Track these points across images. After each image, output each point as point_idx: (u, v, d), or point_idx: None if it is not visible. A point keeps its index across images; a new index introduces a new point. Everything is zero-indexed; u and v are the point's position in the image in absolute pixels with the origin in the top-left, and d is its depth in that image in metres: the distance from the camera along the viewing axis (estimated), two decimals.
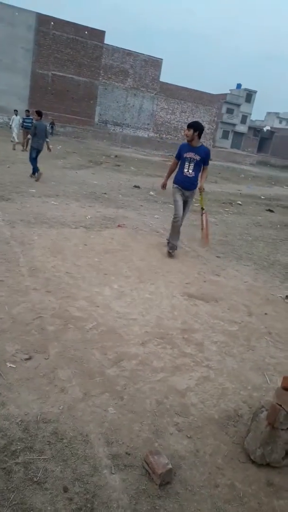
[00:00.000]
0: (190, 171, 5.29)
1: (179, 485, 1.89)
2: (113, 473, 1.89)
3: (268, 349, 3.39)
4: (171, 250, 5.49)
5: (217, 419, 2.41)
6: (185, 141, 5.39)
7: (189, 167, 5.28)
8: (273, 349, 3.41)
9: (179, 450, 2.11)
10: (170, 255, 5.44)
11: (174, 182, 5.50)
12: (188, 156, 5.29)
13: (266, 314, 4.10)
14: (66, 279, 4.07)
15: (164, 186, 5.81)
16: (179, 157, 5.42)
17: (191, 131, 5.16)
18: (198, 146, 5.28)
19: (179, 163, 5.47)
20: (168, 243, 5.56)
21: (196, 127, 5.18)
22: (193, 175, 5.32)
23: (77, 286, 3.95)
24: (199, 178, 5.44)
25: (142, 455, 1.99)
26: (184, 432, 2.25)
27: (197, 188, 5.37)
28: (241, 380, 2.86)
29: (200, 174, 5.38)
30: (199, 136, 5.22)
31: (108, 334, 3.17)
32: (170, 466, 1.88)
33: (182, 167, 5.38)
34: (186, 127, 5.34)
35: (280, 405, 1.97)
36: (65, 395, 2.38)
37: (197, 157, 5.25)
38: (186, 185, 5.40)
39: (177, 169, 5.54)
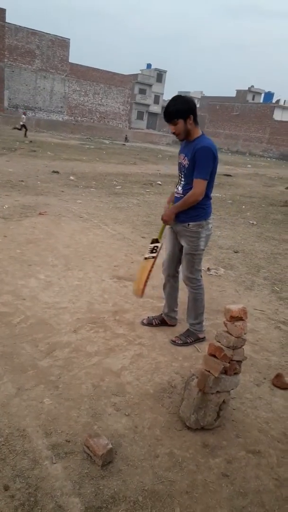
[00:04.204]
0: (179, 187, 3.00)
1: (120, 462, 1.94)
2: (54, 463, 1.88)
3: None
4: (148, 320, 3.38)
5: (152, 393, 2.49)
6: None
7: (179, 181, 3.02)
8: None
9: (118, 429, 2.15)
10: (143, 323, 3.36)
11: None
12: (179, 161, 3.02)
13: None
14: None
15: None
16: None
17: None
18: (193, 140, 2.85)
19: None
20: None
21: (177, 111, 2.73)
22: (181, 194, 2.98)
23: None
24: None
25: (82, 441, 2.00)
26: (122, 411, 2.29)
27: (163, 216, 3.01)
28: (172, 353, 2.98)
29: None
30: (188, 121, 2.76)
31: (37, 326, 3.10)
32: (110, 446, 1.92)
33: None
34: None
35: (208, 371, 2.09)
36: None
37: (186, 162, 2.88)
38: None
39: None
